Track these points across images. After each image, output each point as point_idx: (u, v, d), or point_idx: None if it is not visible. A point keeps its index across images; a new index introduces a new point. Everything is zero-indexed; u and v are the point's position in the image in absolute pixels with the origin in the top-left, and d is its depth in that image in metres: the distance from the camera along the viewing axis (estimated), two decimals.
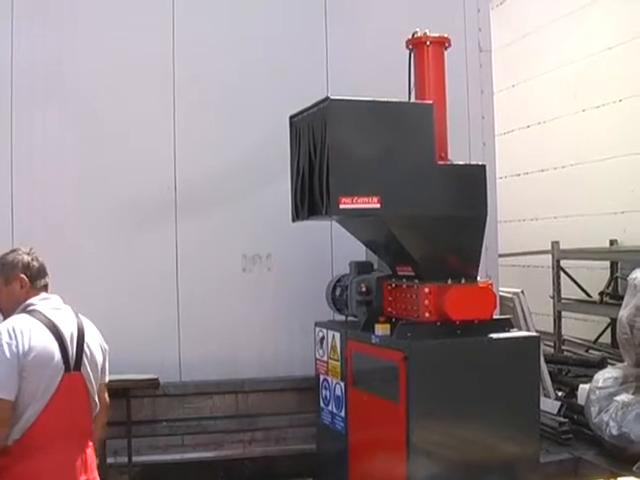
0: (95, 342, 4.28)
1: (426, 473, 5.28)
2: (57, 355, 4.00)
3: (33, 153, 6.86)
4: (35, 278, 4.25)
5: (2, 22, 6.82)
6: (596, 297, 10.66)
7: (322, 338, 6.47)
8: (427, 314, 5.53)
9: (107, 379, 4.42)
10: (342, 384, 6.14)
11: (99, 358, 4.27)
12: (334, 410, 6.27)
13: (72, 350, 4.10)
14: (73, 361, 4.09)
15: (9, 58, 6.83)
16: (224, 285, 7.24)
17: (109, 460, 6.51)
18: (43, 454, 3.92)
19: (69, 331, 4.12)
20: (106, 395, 4.44)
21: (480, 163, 6.00)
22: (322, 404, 6.48)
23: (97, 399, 4.25)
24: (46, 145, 6.90)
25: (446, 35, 5.93)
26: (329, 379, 6.36)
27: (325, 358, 6.41)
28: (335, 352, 6.24)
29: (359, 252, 6.52)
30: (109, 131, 7.02)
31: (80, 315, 4.28)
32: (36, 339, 3.93)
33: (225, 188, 7.29)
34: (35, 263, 4.28)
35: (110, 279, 6.92)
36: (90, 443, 4.18)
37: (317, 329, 6.56)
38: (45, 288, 4.30)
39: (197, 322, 7.09)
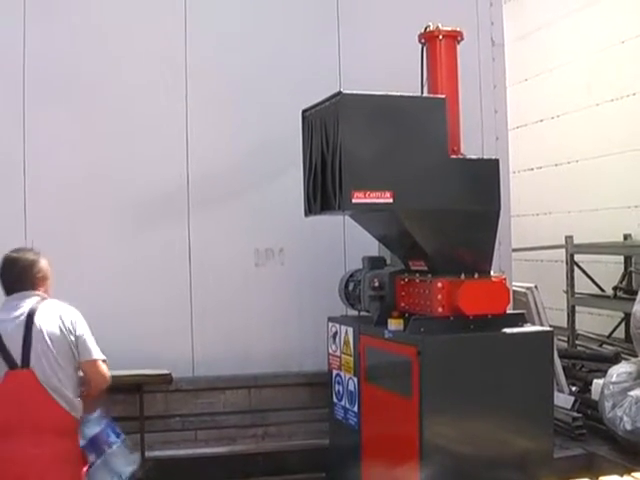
0: (53, 332, 4.53)
1: (439, 468, 5.26)
2: None
3: (45, 149, 6.85)
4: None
5: (15, 20, 6.82)
6: (610, 292, 10.62)
7: (335, 333, 6.46)
8: (440, 309, 5.51)
9: (94, 356, 4.65)
10: (355, 379, 6.13)
11: (60, 347, 4.52)
12: (347, 405, 6.27)
13: (16, 349, 4.43)
14: (19, 359, 4.42)
15: (21, 56, 6.82)
16: (237, 280, 7.24)
17: None
18: None
19: (14, 331, 4.45)
20: (99, 370, 4.68)
21: (493, 157, 5.98)
22: (335, 399, 6.48)
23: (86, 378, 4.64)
24: (58, 141, 6.89)
25: (459, 29, 5.91)
26: (342, 374, 6.35)
27: (338, 353, 6.41)
28: (348, 347, 6.24)
29: (372, 247, 6.51)
30: (121, 127, 7.01)
31: (52, 303, 4.66)
32: None
33: (237, 183, 7.28)
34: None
35: (122, 274, 6.93)
36: (61, 438, 4.46)
37: (330, 324, 6.55)
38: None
39: (210, 317, 7.09)
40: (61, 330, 4.58)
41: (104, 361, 4.74)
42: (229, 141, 7.24)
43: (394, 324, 5.65)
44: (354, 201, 5.21)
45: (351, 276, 6.48)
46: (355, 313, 6.48)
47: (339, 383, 6.40)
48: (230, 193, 7.28)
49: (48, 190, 6.84)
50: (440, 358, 5.35)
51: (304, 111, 5.91)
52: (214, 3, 7.32)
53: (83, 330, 4.69)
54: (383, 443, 5.81)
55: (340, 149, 5.26)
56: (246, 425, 6.96)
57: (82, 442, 4.70)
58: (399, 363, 5.54)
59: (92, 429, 4.76)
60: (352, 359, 6.18)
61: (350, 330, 6.23)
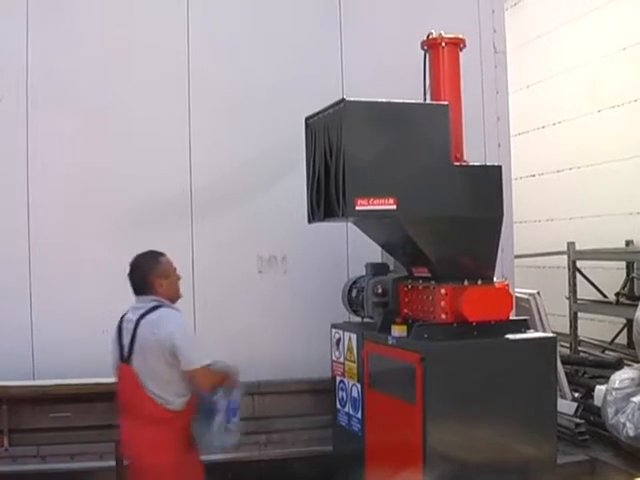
0: (149, 340, 4.96)
1: (442, 474, 5.28)
2: (116, 347, 5.16)
3: (48, 154, 6.88)
4: None
5: (18, 26, 6.86)
6: (612, 298, 10.64)
7: (338, 340, 6.47)
8: (443, 315, 5.53)
9: (191, 366, 4.96)
10: (358, 385, 6.14)
11: (154, 353, 4.95)
12: (350, 412, 6.27)
13: (126, 344, 5.05)
14: (126, 354, 5.05)
15: (24, 61, 6.86)
16: (240, 287, 7.25)
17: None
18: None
19: (128, 331, 5.06)
20: (197, 379, 5.02)
21: (496, 164, 6.00)
22: (338, 406, 6.49)
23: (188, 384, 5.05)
24: (62, 146, 6.92)
25: (461, 36, 5.92)
26: (345, 381, 6.36)
27: (341, 360, 6.42)
28: (351, 353, 6.25)
29: (375, 253, 6.52)
30: (124, 133, 7.04)
31: (158, 312, 5.05)
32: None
33: (240, 189, 7.29)
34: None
35: (124, 281, 6.95)
36: (155, 426, 4.97)
37: (333, 331, 6.56)
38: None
39: (213, 324, 7.07)
40: (157, 340, 4.95)
41: (205, 366, 5.03)
42: (232, 147, 7.25)
43: (397, 330, 5.66)
44: (357, 208, 5.22)
45: (354, 283, 6.49)
46: (358, 320, 6.49)
47: (343, 390, 6.41)
48: (233, 200, 7.29)
49: (51, 195, 6.88)
50: (443, 364, 5.36)
51: (307, 118, 5.92)
52: (217, 10, 7.34)
53: (181, 341, 4.96)
54: (387, 449, 5.81)
55: (343, 156, 5.27)
56: (250, 432, 6.94)
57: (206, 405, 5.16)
58: (402, 369, 5.55)
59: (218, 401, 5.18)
60: (355, 365, 6.19)
61: (353, 336, 6.24)
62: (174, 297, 5.27)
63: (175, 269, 5.35)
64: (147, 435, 5.02)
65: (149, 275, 5.19)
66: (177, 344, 4.93)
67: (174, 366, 4.97)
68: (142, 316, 5.05)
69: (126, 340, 5.08)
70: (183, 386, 5.08)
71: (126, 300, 6.82)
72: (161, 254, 5.34)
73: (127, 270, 5.24)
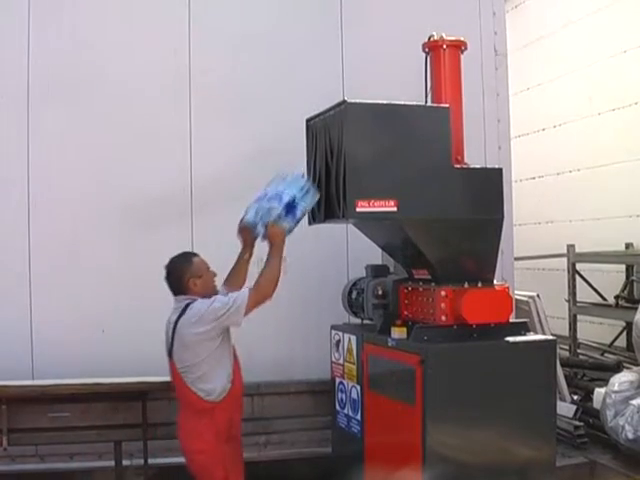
0: (184, 337, 5.31)
1: (442, 476, 5.27)
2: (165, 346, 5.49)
3: (49, 154, 6.90)
4: None
5: (19, 21, 6.88)
6: (611, 300, 10.65)
7: (338, 341, 6.47)
8: (444, 317, 5.53)
9: (246, 296, 5.37)
10: (358, 387, 6.14)
11: (189, 348, 5.33)
12: (350, 413, 6.28)
13: (168, 342, 5.41)
14: (169, 352, 5.42)
15: (25, 60, 6.88)
16: None
17: (125, 462, 6.54)
18: None
19: (169, 329, 5.40)
20: (263, 290, 5.45)
21: (496, 166, 6.00)
22: (338, 407, 6.49)
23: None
24: (63, 146, 6.94)
25: (462, 39, 5.93)
26: (345, 382, 6.36)
27: (341, 361, 6.42)
28: (351, 355, 6.25)
29: (375, 255, 6.52)
30: (124, 132, 7.05)
31: (192, 305, 5.33)
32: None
33: (240, 189, 7.24)
34: None
35: (124, 279, 6.96)
36: (198, 416, 5.37)
37: (333, 332, 6.56)
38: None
39: None
40: (196, 333, 5.28)
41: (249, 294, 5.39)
42: (232, 146, 7.26)
43: (397, 332, 5.66)
44: (358, 210, 5.22)
45: (354, 284, 6.49)
46: (358, 321, 6.49)
47: (342, 391, 6.41)
48: (233, 200, 7.24)
49: (52, 195, 6.90)
50: (443, 366, 5.36)
51: (308, 120, 5.92)
52: (218, 10, 7.34)
53: (218, 302, 5.31)
54: (386, 451, 5.81)
55: (344, 157, 5.27)
56: (249, 433, 6.93)
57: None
58: (402, 371, 5.55)
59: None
60: (355, 367, 6.19)
61: (353, 338, 6.24)
62: (210, 294, 5.50)
63: (208, 267, 5.62)
64: (191, 424, 5.43)
65: (183, 277, 5.47)
66: (219, 312, 5.27)
67: (218, 356, 5.41)
68: (179, 317, 5.35)
69: (168, 340, 5.43)
70: (222, 378, 5.44)
71: (126, 300, 6.90)
72: (194, 254, 5.70)
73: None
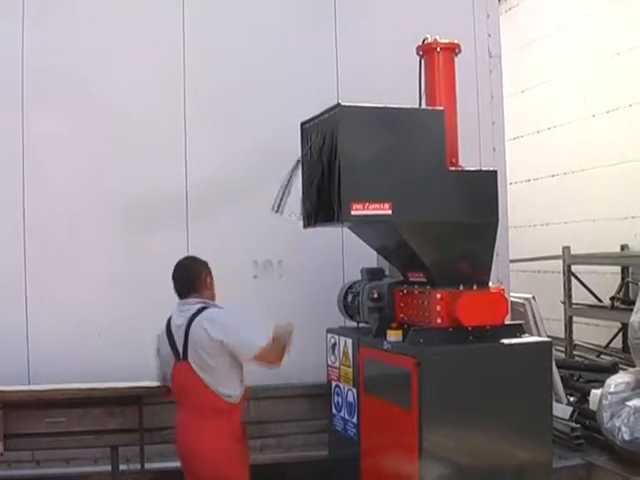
0: (202, 338, 5.34)
1: (438, 479, 5.27)
2: (168, 350, 5.53)
3: (44, 154, 6.89)
4: None
5: (13, 21, 6.88)
6: (607, 302, 10.67)
7: (334, 344, 6.47)
8: (439, 320, 5.52)
9: (250, 355, 5.40)
10: (354, 390, 6.14)
11: (208, 350, 5.35)
12: (346, 416, 6.27)
13: (180, 345, 5.42)
14: (182, 355, 5.43)
15: (19, 60, 6.87)
16: (235, 292, 7.19)
17: (122, 467, 6.53)
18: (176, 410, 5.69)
19: (180, 333, 5.42)
20: (263, 361, 5.49)
21: (491, 169, 6.00)
22: (334, 410, 6.48)
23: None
24: (57, 146, 6.94)
25: (456, 41, 5.93)
26: (341, 385, 6.36)
27: (337, 364, 6.41)
28: (347, 358, 6.24)
29: (370, 258, 6.52)
30: (119, 134, 7.05)
31: (207, 312, 5.43)
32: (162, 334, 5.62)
33: (236, 193, 7.29)
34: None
35: (119, 283, 6.96)
36: (216, 417, 5.40)
37: (329, 335, 6.56)
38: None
39: None
40: (210, 338, 5.33)
41: (263, 347, 5.41)
42: (228, 150, 7.24)
43: (393, 335, 5.65)
44: (353, 213, 5.21)
45: (350, 287, 6.48)
46: (354, 324, 6.47)
47: (338, 394, 6.41)
48: (228, 204, 7.28)
49: (46, 196, 6.90)
50: (439, 369, 5.35)
51: (302, 123, 5.92)
52: (212, 8, 7.35)
53: (232, 335, 5.38)
54: (382, 454, 5.80)
55: (339, 160, 5.26)
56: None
57: None
58: (398, 374, 5.54)
59: None
60: (351, 370, 6.18)
61: (349, 341, 6.23)
62: (214, 296, 5.69)
63: None
64: (207, 424, 5.41)
65: (202, 273, 5.65)
66: (228, 339, 5.33)
67: (227, 359, 5.41)
68: (192, 318, 5.41)
69: (180, 343, 5.44)
70: (239, 380, 5.55)
71: (122, 304, 6.89)
72: (201, 262, 5.79)
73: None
